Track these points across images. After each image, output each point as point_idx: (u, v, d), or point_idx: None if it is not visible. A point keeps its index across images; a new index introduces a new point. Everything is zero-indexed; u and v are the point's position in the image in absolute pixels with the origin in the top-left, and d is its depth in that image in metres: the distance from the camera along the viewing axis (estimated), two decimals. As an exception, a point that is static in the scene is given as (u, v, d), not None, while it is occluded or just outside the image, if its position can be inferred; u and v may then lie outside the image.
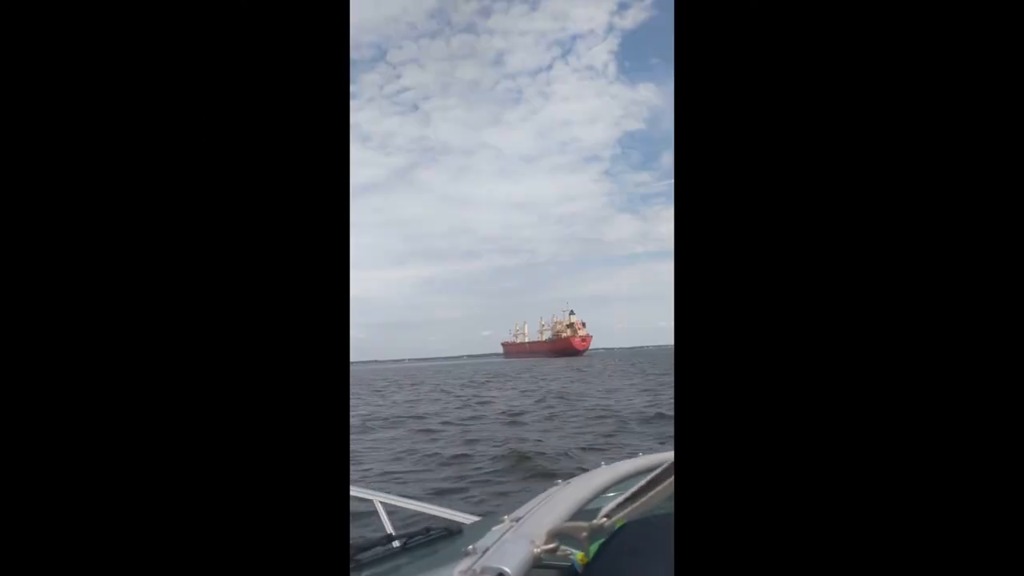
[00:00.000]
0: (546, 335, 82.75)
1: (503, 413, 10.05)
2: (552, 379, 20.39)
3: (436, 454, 6.26)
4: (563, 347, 73.14)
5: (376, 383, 25.02)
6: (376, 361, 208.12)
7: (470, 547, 0.59)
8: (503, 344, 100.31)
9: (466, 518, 1.42)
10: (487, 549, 0.56)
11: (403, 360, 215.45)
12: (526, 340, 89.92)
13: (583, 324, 76.46)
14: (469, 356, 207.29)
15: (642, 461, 1.18)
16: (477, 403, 12.46)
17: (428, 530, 1.09)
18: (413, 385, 21.58)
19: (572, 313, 77.64)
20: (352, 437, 7.83)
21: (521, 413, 10.04)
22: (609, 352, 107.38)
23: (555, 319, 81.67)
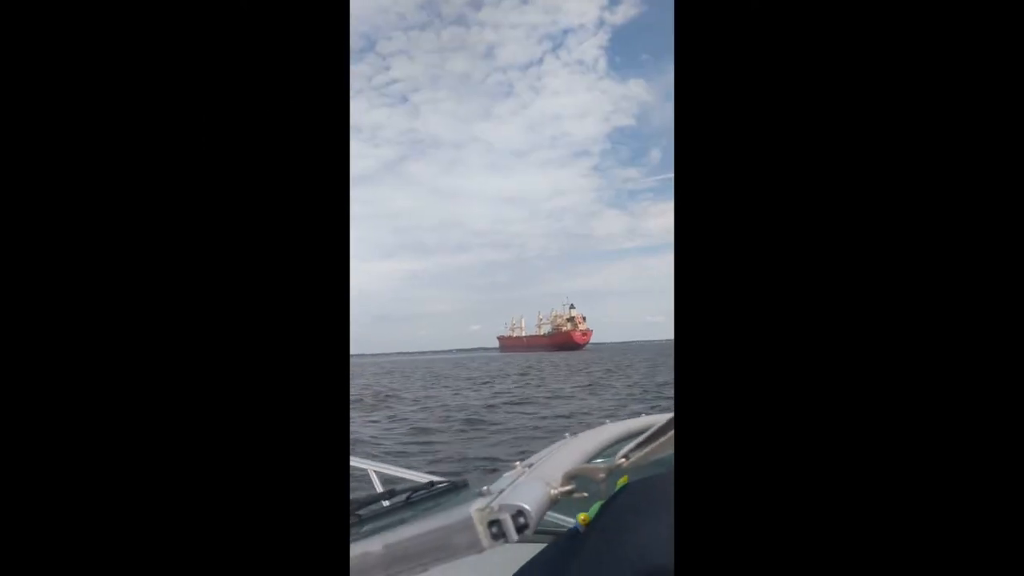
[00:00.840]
0: (545, 329, 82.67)
1: (629, 395, 9.81)
2: (590, 371, 20.20)
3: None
4: (563, 341, 73.07)
5: (408, 374, 24.62)
6: (362, 355, 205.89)
7: (484, 488, 0.60)
8: (499, 338, 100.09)
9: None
10: (502, 491, 0.57)
11: (391, 354, 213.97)
12: (523, 334, 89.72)
13: (583, 318, 76.47)
14: (459, 350, 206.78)
15: (649, 419, 1.13)
16: (575, 398, 12.20)
17: (432, 484, 1.05)
18: (453, 377, 21.22)
19: (572, 307, 77.74)
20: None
21: (641, 397, 9.83)
22: (599, 347, 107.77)
23: (554, 312, 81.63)
